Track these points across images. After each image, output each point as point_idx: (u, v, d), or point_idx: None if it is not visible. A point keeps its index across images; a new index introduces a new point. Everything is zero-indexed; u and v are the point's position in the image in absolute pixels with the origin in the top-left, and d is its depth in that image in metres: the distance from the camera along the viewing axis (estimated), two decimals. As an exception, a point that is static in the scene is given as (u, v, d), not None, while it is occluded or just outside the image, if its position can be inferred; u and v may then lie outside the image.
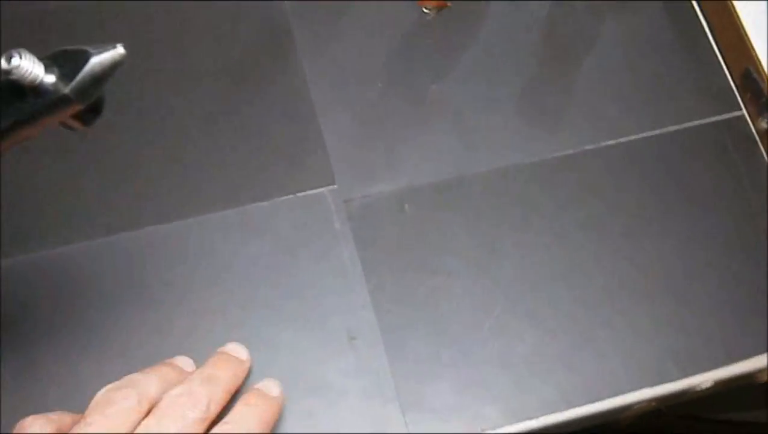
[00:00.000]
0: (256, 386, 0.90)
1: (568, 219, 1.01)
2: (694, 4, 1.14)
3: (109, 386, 0.82)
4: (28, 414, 0.81)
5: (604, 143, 1.06)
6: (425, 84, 1.08)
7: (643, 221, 1.01)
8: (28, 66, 0.59)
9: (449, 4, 1.12)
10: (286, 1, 1.11)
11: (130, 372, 0.88)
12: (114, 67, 0.62)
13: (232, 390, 0.88)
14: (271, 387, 0.90)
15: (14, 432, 0.80)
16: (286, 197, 1.01)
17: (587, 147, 1.05)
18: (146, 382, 0.82)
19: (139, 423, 0.78)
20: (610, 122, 1.07)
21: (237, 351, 0.92)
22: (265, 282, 0.97)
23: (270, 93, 1.06)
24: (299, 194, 1.01)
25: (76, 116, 0.65)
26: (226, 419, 0.84)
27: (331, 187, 1.01)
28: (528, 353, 0.94)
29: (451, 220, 1.01)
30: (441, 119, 1.06)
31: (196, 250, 0.98)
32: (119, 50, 0.63)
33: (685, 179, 1.04)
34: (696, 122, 1.07)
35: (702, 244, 1.01)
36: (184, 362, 0.91)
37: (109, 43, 0.62)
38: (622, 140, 1.06)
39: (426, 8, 1.12)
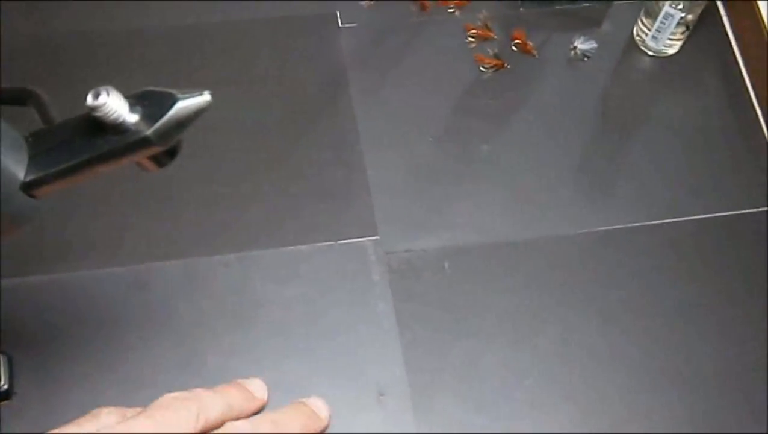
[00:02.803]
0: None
1: (612, 296, 0.99)
2: (752, 94, 1.13)
3: (176, 393, 0.80)
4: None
5: (653, 222, 1.04)
6: (477, 143, 1.07)
7: (688, 306, 0.99)
8: (114, 104, 0.58)
9: (507, 65, 1.12)
10: (344, 48, 1.11)
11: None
12: (198, 113, 0.61)
13: None
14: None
15: (87, 416, 0.78)
16: (326, 243, 1.00)
17: (636, 224, 1.04)
18: (211, 401, 0.80)
19: None
20: (661, 200, 1.06)
21: (318, 406, 0.89)
22: (299, 326, 0.95)
23: (320, 138, 1.05)
24: (340, 242, 1.00)
25: (152, 157, 0.63)
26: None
27: (373, 238, 1.00)
28: (559, 430, 0.92)
29: (491, 284, 0.99)
30: (490, 180, 1.05)
31: (232, 286, 0.96)
32: (206, 97, 0.61)
33: (733, 267, 1.02)
34: (748, 210, 1.05)
35: (750, 335, 0.98)
36: (256, 386, 0.89)
37: (196, 88, 0.61)
38: (671, 220, 1.05)
39: (483, 67, 1.11)
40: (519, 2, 1.16)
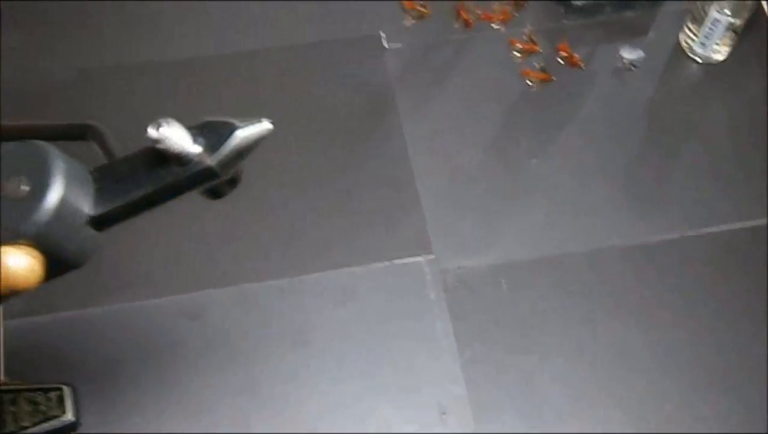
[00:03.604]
0: None
1: (667, 306, 0.98)
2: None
3: None
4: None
5: (705, 230, 1.03)
6: (526, 157, 1.07)
7: (746, 314, 0.98)
8: (176, 136, 0.58)
9: (554, 78, 1.11)
10: (390, 67, 1.11)
11: (216, 431, 0.89)
12: (258, 141, 0.61)
13: None
14: None
15: None
16: (381, 264, 1.00)
17: (689, 233, 1.03)
18: None
19: None
20: (712, 208, 1.04)
21: None
22: (356, 348, 0.95)
23: (370, 158, 1.06)
24: (395, 262, 1.00)
25: (214, 187, 0.63)
26: None
27: (428, 256, 1.00)
28: (623, 445, 0.91)
29: (547, 299, 0.98)
30: (540, 194, 1.05)
31: (287, 311, 0.97)
32: (265, 125, 0.61)
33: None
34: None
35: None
36: None
37: (254, 118, 0.61)
38: (724, 228, 1.03)
39: (530, 81, 1.11)
40: (563, 15, 1.15)
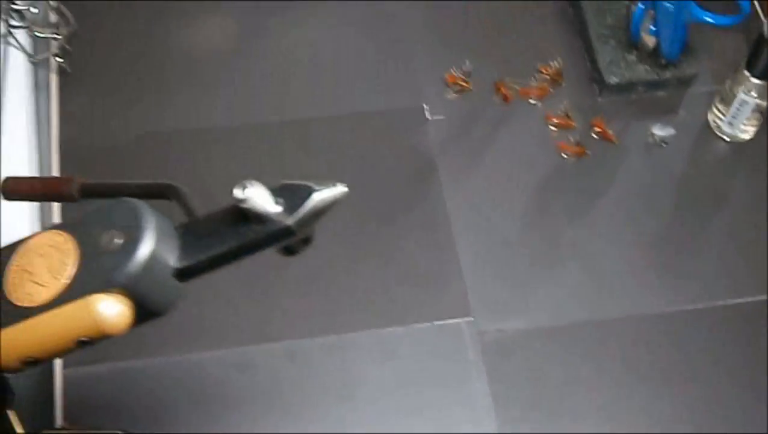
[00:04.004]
0: None
1: (692, 373, 1.02)
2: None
3: None
4: None
5: (730, 301, 1.07)
6: (561, 226, 1.12)
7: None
8: (259, 196, 0.63)
9: (588, 152, 1.16)
10: (432, 138, 1.17)
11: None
12: (334, 203, 0.66)
13: None
14: None
15: None
16: (423, 325, 1.04)
17: (719, 303, 1.07)
18: None
19: None
20: (742, 279, 1.08)
21: None
22: (397, 405, 0.99)
23: (413, 224, 1.11)
24: (436, 323, 1.04)
25: (288, 245, 0.68)
26: None
27: (467, 319, 1.04)
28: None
29: (581, 364, 1.02)
30: (574, 262, 1.09)
31: (332, 367, 1.01)
32: (341, 188, 0.66)
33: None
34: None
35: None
36: None
37: (330, 181, 0.66)
38: (749, 299, 1.07)
39: (565, 154, 1.16)
40: (598, 92, 1.21)
